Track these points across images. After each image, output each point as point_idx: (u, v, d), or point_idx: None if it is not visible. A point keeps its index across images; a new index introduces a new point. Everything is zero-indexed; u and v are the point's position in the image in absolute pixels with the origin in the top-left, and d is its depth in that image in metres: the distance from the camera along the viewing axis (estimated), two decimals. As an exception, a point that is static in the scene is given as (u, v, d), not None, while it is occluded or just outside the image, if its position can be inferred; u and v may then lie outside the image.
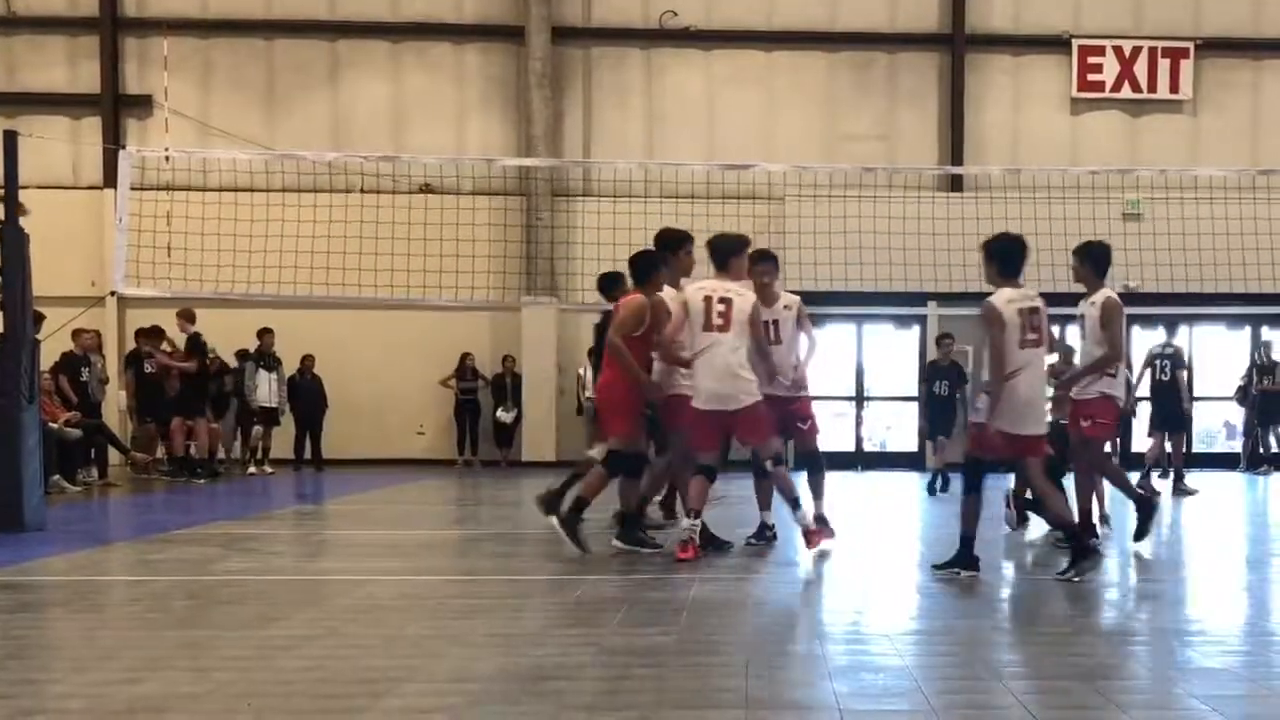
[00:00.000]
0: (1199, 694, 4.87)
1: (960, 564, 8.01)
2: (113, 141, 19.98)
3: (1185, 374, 16.54)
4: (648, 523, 9.63)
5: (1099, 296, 9.05)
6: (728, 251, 8.76)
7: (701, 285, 8.64)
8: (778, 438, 9.05)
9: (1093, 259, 9.27)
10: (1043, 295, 8.58)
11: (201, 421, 17.17)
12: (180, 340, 17.24)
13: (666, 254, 9.10)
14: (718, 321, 8.40)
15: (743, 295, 8.56)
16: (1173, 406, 16.05)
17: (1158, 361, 16.12)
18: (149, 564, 8.77)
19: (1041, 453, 8.12)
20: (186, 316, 17.22)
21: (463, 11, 21.46)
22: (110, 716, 4.54)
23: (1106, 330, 8.91)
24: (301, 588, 7.74)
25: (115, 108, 21.03)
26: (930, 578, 7.94)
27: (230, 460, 19.33)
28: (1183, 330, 17.94)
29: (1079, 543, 8.02)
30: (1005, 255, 8.14)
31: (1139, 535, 9.54)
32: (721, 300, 8.45)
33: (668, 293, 8.88)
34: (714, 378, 8.41)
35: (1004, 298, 7.94)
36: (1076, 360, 9.54)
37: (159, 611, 6.86)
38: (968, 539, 8.04)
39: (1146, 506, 9.60)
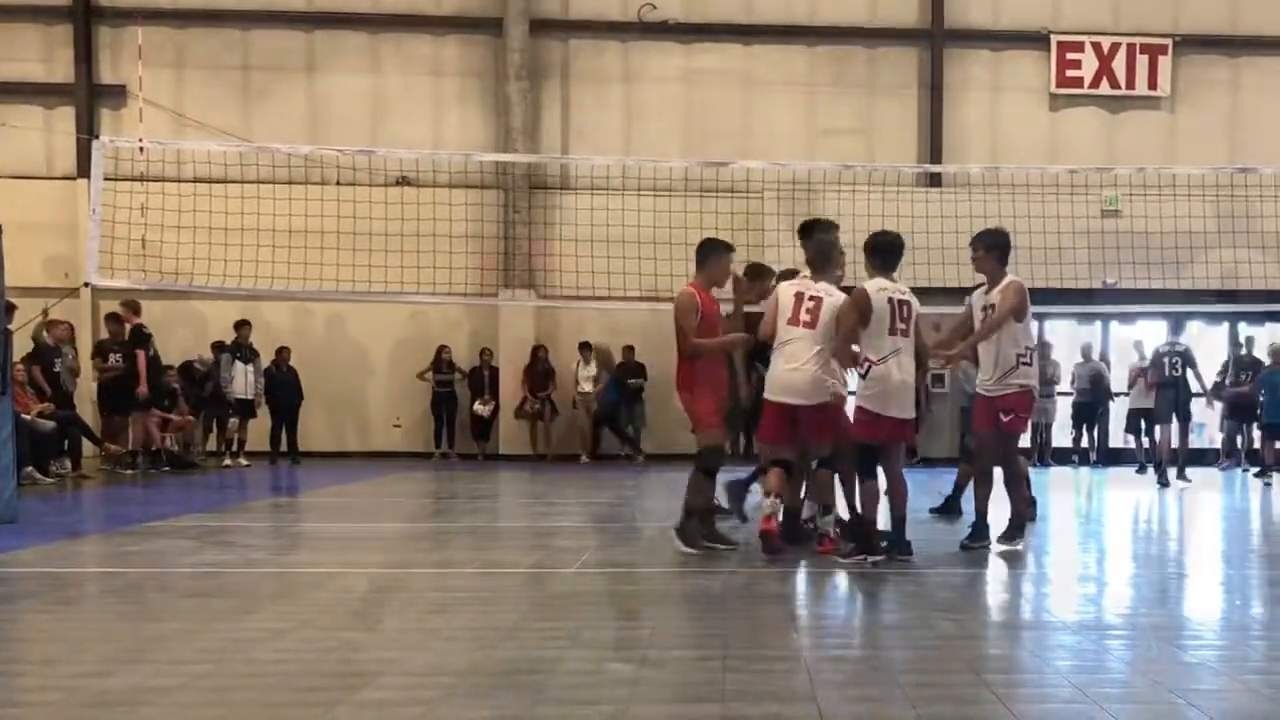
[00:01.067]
0: (1176, 687, 4.88)
1: (866, 549, 8.15)
2: (86, 131, 19.85)
3: (1193, 369, 16.92)
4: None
5: (1006, 283, 8.92)
6: (825, 253, 8.81)
7: (795, 283, 8.77)
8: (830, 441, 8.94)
9: (999, 247, 9.10)
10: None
11: (155, 413, 17.10)
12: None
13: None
14: (805, 318, 8.49)
15: (832, 295, 8.59)
16: (1184, 400, 16.60)
17: (1166, 360, 16.54)
18: (122, 556, 8.71)
19: (907, 437, 8.55)
20: (131, 308, 16.99)
21: (441, 3, 21.38)
22: (82, 709, 4.49)
23: (1022, 317, 8.89)
24: (276, 581, 7.69)
25: (89, 98, 20.84)
26: (908, 573, 7.94)
27: (205, 453, 19.24)
28: (1162, 326, 18.03)
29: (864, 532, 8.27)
30: (882, 250, 8.59)
31: (1007, 538, 8.97)
32: (812, 298, 8.54)
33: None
34: (790, 370, 8.47)
35: (875, 286, 8.36)
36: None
37: (132, 604, 6.81)
38: (872, 523, 8.31)
39: (1020, 520, 9.10)
